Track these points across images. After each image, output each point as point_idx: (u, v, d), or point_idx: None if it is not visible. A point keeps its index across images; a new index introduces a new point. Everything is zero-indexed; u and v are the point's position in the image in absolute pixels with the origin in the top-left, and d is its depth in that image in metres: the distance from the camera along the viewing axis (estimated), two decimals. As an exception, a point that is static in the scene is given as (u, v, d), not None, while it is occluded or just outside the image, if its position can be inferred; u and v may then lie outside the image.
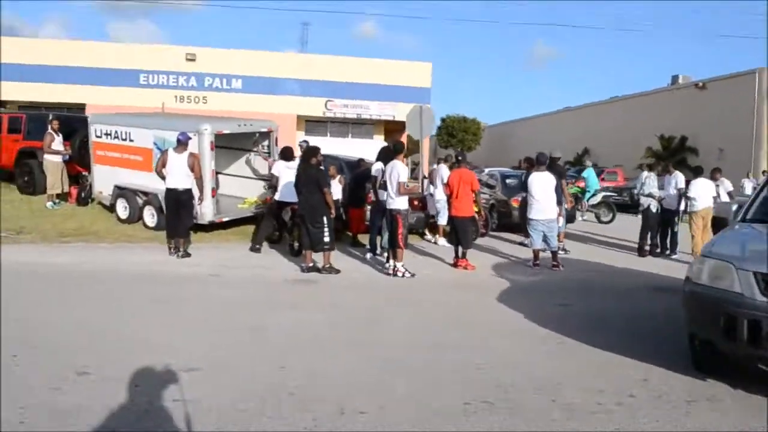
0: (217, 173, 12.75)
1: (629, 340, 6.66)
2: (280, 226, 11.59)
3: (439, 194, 12.79)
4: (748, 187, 25.31)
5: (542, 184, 10.90)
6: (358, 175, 12.30)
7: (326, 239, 9.62)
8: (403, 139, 29.34)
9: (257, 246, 11.18)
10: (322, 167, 10.31)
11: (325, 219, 9.63)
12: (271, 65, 28.20)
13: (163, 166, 10.37)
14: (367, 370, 5.32)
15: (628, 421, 4.51)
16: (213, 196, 12.03)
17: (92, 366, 5.06)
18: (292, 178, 10.84)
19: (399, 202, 9.68)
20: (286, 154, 11.41)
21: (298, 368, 5.26)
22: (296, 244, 10.88)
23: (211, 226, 12.30)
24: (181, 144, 10.40)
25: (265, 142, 13.77)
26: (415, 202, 12.61)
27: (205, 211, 11.79)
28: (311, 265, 9.78)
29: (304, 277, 9.51)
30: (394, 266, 9.74)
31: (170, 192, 10.43)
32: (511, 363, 5.68)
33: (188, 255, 10.47)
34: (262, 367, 5.27)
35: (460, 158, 11.87)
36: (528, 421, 4.42)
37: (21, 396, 4.44)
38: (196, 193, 10.67)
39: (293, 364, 5.37)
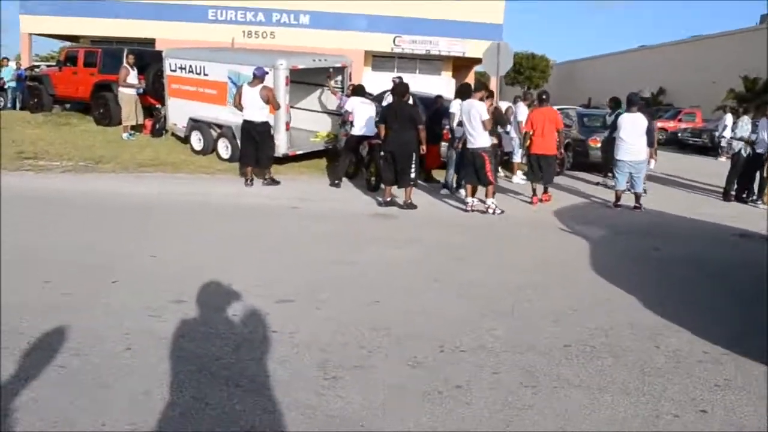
0: (291, 107, 12.68)
1: (725, 289, 6.38)
2: (357, 160, 11.54)
3: (514, 132, 12.55)
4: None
5: (634, 124, 10.50)
6: (435, 111, 12.03)
7: (412, 175, 9.62)
8: (471, 76, 28.91)
9: (337, 181, 11.14)
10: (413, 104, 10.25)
11: (414, 155, 9.67)
12: (339, 0, 27.67)
13: (240, 99, 10.52)
14: (459, 308, 5.22)
15: (735, 372, 4.30)
16: (287, 130, 12.03)
17: (186, 295, 5.12)
18: (368, 113, 10.77)
19: (483, 140, 9.45)
20: (359, 90, 11.27)
21: (391, 304, 5.20)
22: (373, 179, 10.82)
23: (285, 159, 12.33)
24: (257, 78, 10.43)
25: (339, 77, 13.63)
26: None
27: (280, 143, 11.83)
28: (389, 199, 9.74)
29: (384, 211, 9.44)
30: (486, 203, 9.62)
31: (246, 124, 10.58)
32: (607, 307, 5.49)
33: (275, 182, 10.88)
34: (356, 301, 5.23)
35: (544, 97, 11.60)
36: (631, 366, 4.26)
37: (124, 321, 4.52)
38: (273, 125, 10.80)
39: (386, 299, 5.31)
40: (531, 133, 10.87)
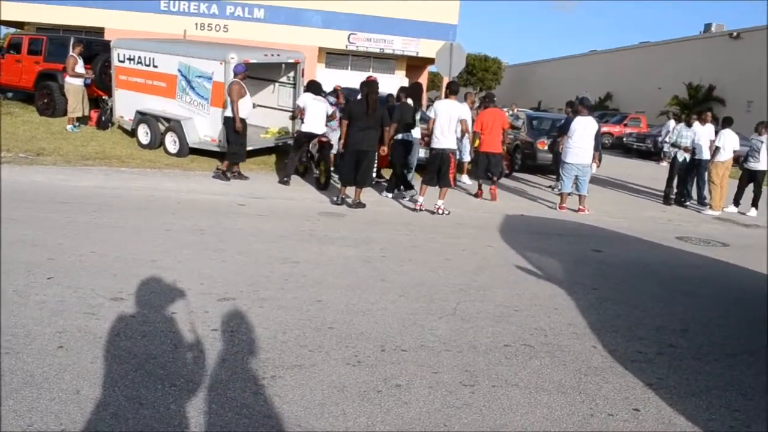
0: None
1: (665, 290, 6.58)
2: (308, 158, 11.48)
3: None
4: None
5: (586, 128, 10.79)
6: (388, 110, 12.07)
7: (373, 175, 9.74)
8: (425, 75, 29.06)
9: (286, 178, 11.06)
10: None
11: (375, 155, 9.87)
12: (295, -6, 27.48)
13: (241, 95, 10.63)
14: (403, 308, 5.23)
15: (667, 371, 4.43)
16: (237, 126, 11.88)
17: (125, 293, 5.01)
18: (321, 111, 10.74)
19: (451, 141, 9.55)
20: (313, 87, 11.20)
21: (334, 303, 5.19)
22: (323, 178, 10.78)
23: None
24: (239, 74, 10.77)
25: (291, 74, 13.54)
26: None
27: (228, 139, 11.69)
28: (342, 198, 9.74)
29: (334, 210, 9.43)
30: (436, 204, 9.73)
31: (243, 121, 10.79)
32: (548, 307, 5.59)
33: (244, 177, 11.23)
34: (299, 300, 5.19)
35: (487, 99, 12.11)
36: (568, 366, 4.36)
37: (58, 320, 4.40)
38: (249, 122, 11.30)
39: (329, 298, 5.29)
40: (480, 133, 11.17)
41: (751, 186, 12.58)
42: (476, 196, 11.47)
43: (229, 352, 4.09)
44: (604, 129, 28.49)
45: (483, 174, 11.53)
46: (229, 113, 10.57)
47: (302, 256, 6.58)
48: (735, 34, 32.58)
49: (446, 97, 10.04)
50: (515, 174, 14.91)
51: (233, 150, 10.90)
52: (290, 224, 8.19)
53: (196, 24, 26.53)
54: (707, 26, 37.85)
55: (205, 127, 12.16)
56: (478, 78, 50.90)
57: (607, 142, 27.30)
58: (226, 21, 27.10)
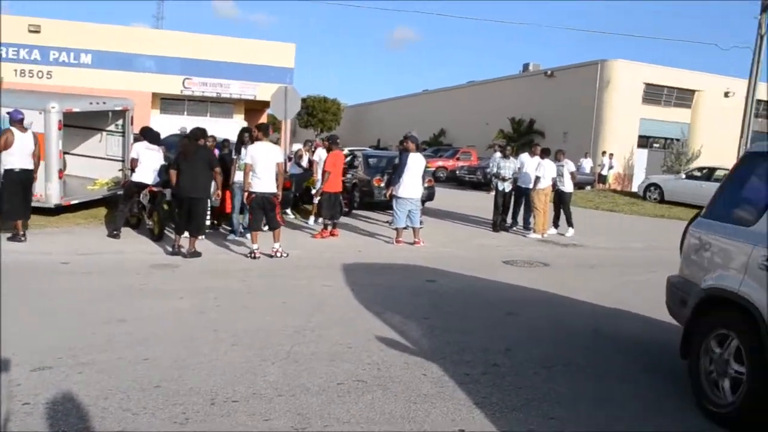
0: (65, 153, 11.83)
1: (491, 313, 7.02)
2: (139, 209, 11.02)
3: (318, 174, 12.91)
4: (587, 166, 27.69)
5: (417, 164, 11.32)
6: (221, 156, 11.94)
7: (207, 222, 9.52)
8: (264, 118, 29.08)
9: (115, 231, 10.49)
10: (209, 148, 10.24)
11: (208, 202, 9.67)
12: (124, 40, 26.53)
13: (6, 145, 9.44)
14: (236, 357, 5.15)
15: (492, 389, 4.72)
16: (60, 178, 11.19)
17: (-77, 370, 4.52)
18: (154, 160, 10.44)
19: (269, 185, 9.53)
20: (148, 135, 10.84)
21: (163, 359, 4.99)
22: (156, 228, 10.40)
23: (57, 210, 11.44)
24: (16, 122, 9.58)
25: (120, 121, 13.02)
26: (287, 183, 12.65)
27: (51, 193, 10.99)
28: (177, 248, 9.44)
29: (167, 261, 9.10)
30: (273, 247, 9.69)
31: (17, 173, 9.58)
32: (381, 341, 5.75)
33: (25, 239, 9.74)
34: (123, 361, 4.94)
35: (331, 141, 12.32)
36: (399, 396, 4.51)
37: None
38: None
39: (158, 355, 5.09)
40: (329, 173, 11.43)
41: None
42: (323, 236, 11.62)
43: (42, 427, 3.80)
44: (439, 163, 30.06)
45: (328, 214, 11.70)
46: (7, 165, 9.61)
47: (130, 314, 6.27)
48: (549, 72, 35.71)
49: (258, 140, 9.83)
50: (354, 211, 15.26)
51: (6, 207, 9.75)
52: (119, 280, 7.78)
53: (16, 70, 24.88)
54: (525, 66, 41.14)
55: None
56: (319, 119, 51.70)
57: (441, 176, 28.76)
58: (50, 67, 25.64)
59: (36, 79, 25.10)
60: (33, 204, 11.15)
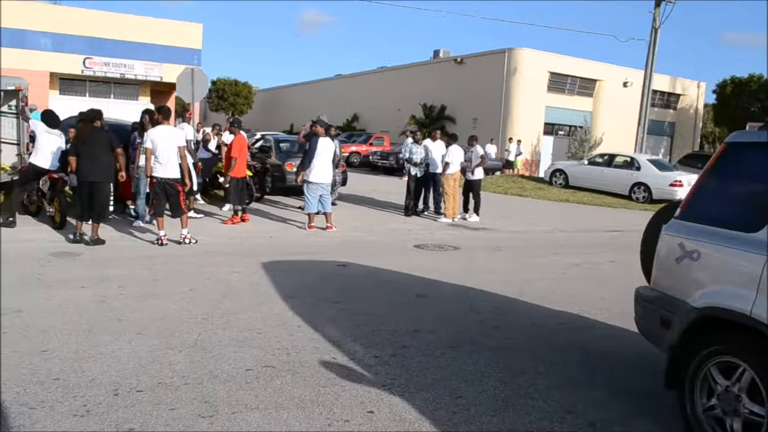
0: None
1: (400, 296, 7.13)
2: (38, 196, 10.46)
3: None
4: (491, 151, 28.49)
5: (327, 149, 11.27)
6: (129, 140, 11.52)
7: (111, 208, 9.13)
8: (171, 101, 28.18)
9: (11, 218, 9.91)
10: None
11: (111, 186, 9.26)
12: (17, 16, 24.85)
13: None
14: (140, 346, 5.01)
15: (400, 371, 4.81)
16: (-55, 164, 10.47)
17: None
18: (54, 144, 9.95)
19: (173, 171, 9.26)
20: (48, 119, 10.30)
21: (62, 351, 4.79)
22: (58, 216, 9.91)
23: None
24: None
25: (12, 102, 12.24)
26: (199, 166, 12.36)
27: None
28: (79, 235, 9.04)
29: (68, 249, 8.71)
30: (181, 233, 9.48)
31: None
32: (291, 326, 5.74)
33: None
34: (19, 353, 4.69)
35: (236, 124, 12.11)
36: (308, 380, 4.52)
37: None
38: None
39: (57, 347, 4.87)
40: (236, 159, 11.23)
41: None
42: (232, 221, 11.43)
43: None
44: (352, 148, 30.10)
45: (237, 199, 11.53)
46: None
47: (26, 304, 5.97)
48: (459, 59, 36.35)
49: (159, 123, 9.58)
50: (267, 197, 15.09)
51: None
52: (14, 269, 7.35)
53: None
54: (436, 52, 41.65)
55: None
56: (230, 102, 50.55)
57: (355, 161, 28.84)
58: (-70, 44, 23.74)
59: None
60: None
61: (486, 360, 5.17)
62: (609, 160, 22.73)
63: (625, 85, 35.10)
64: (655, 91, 29.88)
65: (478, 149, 14.17)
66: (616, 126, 32.07)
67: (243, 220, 11.57)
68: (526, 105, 32.71)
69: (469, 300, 7.16)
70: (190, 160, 10.53)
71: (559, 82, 34.39)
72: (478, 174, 14.03)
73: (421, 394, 4.41)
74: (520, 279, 8.39)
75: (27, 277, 7.08)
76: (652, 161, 21.85)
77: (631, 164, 21.69)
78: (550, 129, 34.58)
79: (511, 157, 29.75)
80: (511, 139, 30.57)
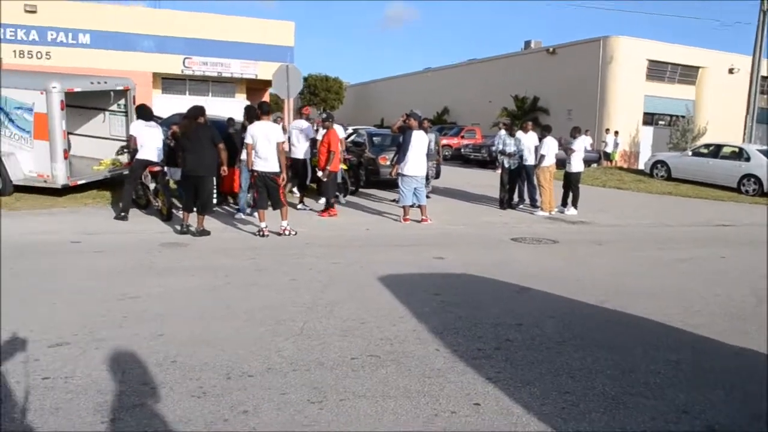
0: (69, 134, 11.82)
1: (501, 289, 7.02)
2: (144, 190, 10.99)
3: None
4: (586, 143, 27.49)
5: (420, 142, 11.27)
6: (227, 135, 11.90)
7: (214, 200, 9.51)
8: (266, 97, 28.97)
9: (123, 213, 10.43)
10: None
11: (214, 180, 9.67)
12: (123, 20, 26.31)
13: None
14: (250, 333, 5.18)
15: (505, 364, 4.74)
16: (65, 158, 11.20)
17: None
18: (155, 137, 10.41)
19: (272, 165, 9.51)
20: (144, 113, 10.79)
21: (178, 335, 5.03)
22: (165, 209, 10.40)
23: (65, 190, 11.46)
24: None
25: (122, 101, 12.98)
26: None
27: (58, 173, 11.00)
28: (186, 227, 9.48)
29: (176, 239, 9.13)
30: (282, 225, 9.73)
31: None
32: (393, 317, 5.77)
33: None
34: (139, 337, 4.97)
35: (329, 119, 12.23)
36: (413, 371, 4.52)
37: None
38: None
39: (172, 331, 5.12)
40: (334, 153, 11.41)
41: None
42: (322, 213, 11.66)
43: (62, 401, 3.83)
44: (444, 141, 29.94)
45: (332, 192, 11.76)
46: None
47: (142, 291, 6.31)
48: (551, 49, 35.46)
49: (259, 118, 9.80)
50: (361, 190, 15.25)
51: None
52: (129, 258, 7.81)
53: (15, 51, 24.69)
54: (527, 43, 40.79)
55: (29, 162, 11.35)
56: (321, 98, 51.41)
57: (447, 154, 28.68)
58: (48, 47, 25.41)
59: (35, 59, 24.93)
60: (40, 185, 11.22)
61: (593, 356, 5.01)
62: (715, 151, 21.54)
63: (731, 71, 33.16)
64: (764, 78, 28.03)
65: (580, 140, 13.80)
66: (721, 115, 30.37)
67: (331, 214, 11.73)
68: (623, 95, 31.46)
69: (571, 294, 6.96)
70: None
71: (658, 70, 32.87)
72: (577, 166, 13.63)
73: (527, 389, 4.33)
74: (623, 274, 8.09)
75: (141, 266, 7.47)
76: (763, 151, 20.52)
77: (739, 155, 20.48)
78: (649, 119, 33.16)
79: (609, 149, 28.74)
80: (608, 130, 29.54)
